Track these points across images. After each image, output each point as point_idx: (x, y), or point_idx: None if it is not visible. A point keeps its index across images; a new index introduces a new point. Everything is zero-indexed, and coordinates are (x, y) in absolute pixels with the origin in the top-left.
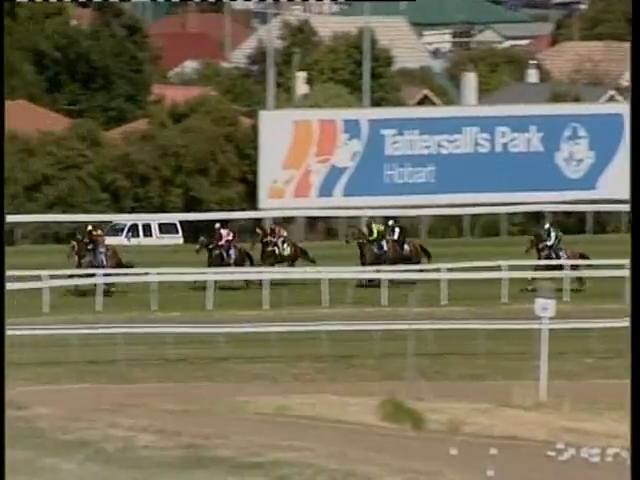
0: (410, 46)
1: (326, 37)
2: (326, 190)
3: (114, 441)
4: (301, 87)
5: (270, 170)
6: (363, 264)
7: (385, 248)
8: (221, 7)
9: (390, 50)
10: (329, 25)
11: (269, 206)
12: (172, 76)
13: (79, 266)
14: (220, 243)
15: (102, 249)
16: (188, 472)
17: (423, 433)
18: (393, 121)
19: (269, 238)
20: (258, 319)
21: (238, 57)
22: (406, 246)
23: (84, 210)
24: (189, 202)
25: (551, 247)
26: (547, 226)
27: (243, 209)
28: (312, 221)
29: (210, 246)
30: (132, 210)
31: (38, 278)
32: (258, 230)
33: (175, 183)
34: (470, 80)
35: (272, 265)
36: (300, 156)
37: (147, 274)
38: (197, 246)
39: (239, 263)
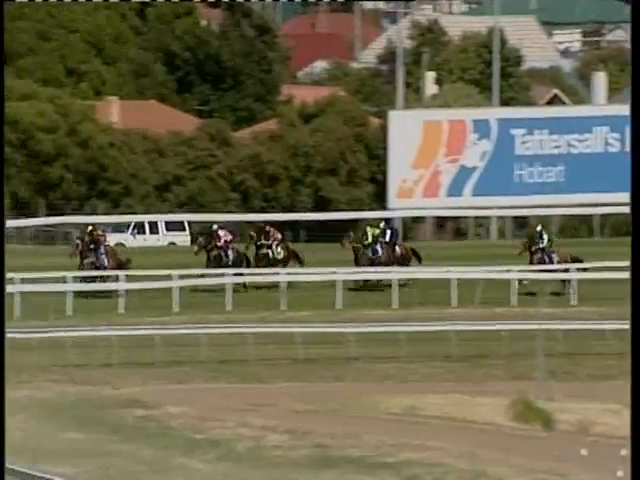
0: (540, 46)
1: (455, 37)
2: (455, 190)
3: (244, 440)
4: (430, 87)
5: (399, 170)
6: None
7: (380, 252)
8: (351, 7)
9: (520, 50)
10: (459, 25)
11: (398, 206)
12: (301, 76)
13: (81, 266)
14: (219, 244)
15: (103, 249)
16: (318, 472)
17: (553, 433)
18: (523, 121)
19: (263, 241)
20: (387, 319)
21: (368, 57)
22: (397, 248)
23: (214, 210)
24: (318, 202)
25: (543, 250)
26: (539, 228)
27: (372, 209)
28: (441, 221)
29: (209, 247)
30: (262, 210)
31: (169, 277)
32: (252, 233)
33: (305, 183)
34: (600, 79)
35: (265, 267)
36: (429, 156)
37: (277, 274)
38: (195, 247)
39: (237, 264)
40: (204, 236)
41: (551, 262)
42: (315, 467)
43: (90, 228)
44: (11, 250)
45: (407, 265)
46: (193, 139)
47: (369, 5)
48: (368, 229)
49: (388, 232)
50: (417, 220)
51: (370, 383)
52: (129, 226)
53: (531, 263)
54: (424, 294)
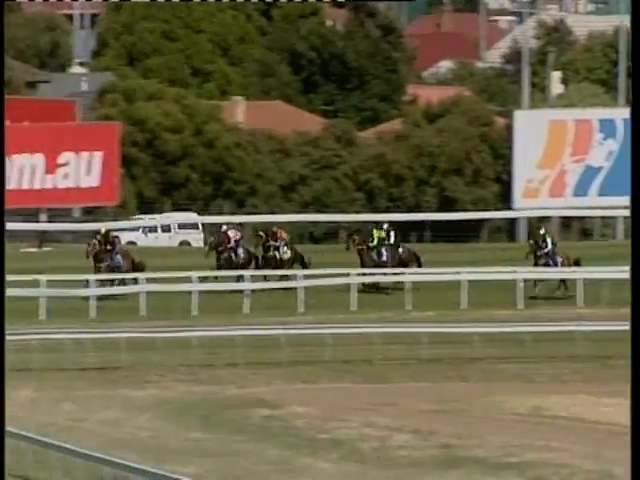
0: None
1: (582, 36)
2: (581, 190)
3: (369, 440)
4: (556, 87)
5: (525, 170)
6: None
7: (384, 254)
8: (476, 7)
9: None
10: (585, 24)
11: (523, 206)
12: (427, 76)
13: (97, 269)
14: (229, 245)
15: (118, 251)
16: (443, 472)
17: None
18: None
19: (271, 242)
20: (513, 319)
21: (493, 57)
22: (400, 250)
23: (339, 210)
24: (443, 202)
25: (547, 254)
26: (542, 232)
27: (497, 209)
28: (567, 221)
29: (220, 248)
30: (387, 210)
31: (294, 278)
32: (260, 233)
33: (430, 183)
34: None
35: (273, 268)
36: (555, 156)
37: (402, 274)
38: (206, 248)
39: (247, 264)
40: (215, 236)
41: (555, 265)
42: (440, 467)
43: (104, 230)
44: (135, 250)
45: (407, 267)
46: (318, 139)
47: (494, 5)
48: (374, 231)
49: (392, 234)
50: (543, 220)
51: (495, 383)
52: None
53: (535, 266)
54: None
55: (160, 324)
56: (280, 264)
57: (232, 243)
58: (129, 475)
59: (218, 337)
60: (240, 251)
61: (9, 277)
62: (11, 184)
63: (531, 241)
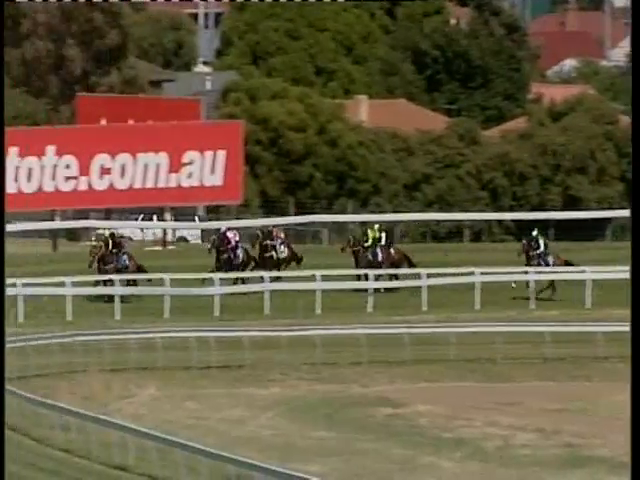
0: None
1: None
2: None
3: (492, 439)
4: None
5: None
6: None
7: (379, 254)
8: (600, 5)
9: None
10: None
11: None
12: (550, 75)
13: (103, 270)
14: (229, 246)
15: (124, 253)
16: (567, 471)
17: None
18: None
19: (268, 241)
20: None
21: (617, 55)
22: (392, 250)
23: (462, 209)
24: (568, 201)
25: (539, 255)
26: (535, 233)
27: (622, 207)
28: None
29: (220, 249)
30: (511, 209)
31: (418, 276)
32: (258, 232)
33: (554, 182)
34: None
35: (270, 268)
36: None
37: (526, 272)
38: (208, 246)
39: (246, 265)
40: (216, 237)
41: (547, 265)
42: (564, 467)
43: (111, 231)
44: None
45: (400, 267)
46: (442, 138)
47: (619, 3)
48: (369, 231)
49: (383, 235)
50: None
51: (618, 382)
52: (136, 219)
53: (527, 266)
54: None
55: (284, 323)
56: (277, 263)
57: (232, 244)
58: (253, 474)
59: (342, 336)
60: (239, 252)
61: (137, 276)
62: (136, 183)
63: (524, 242)
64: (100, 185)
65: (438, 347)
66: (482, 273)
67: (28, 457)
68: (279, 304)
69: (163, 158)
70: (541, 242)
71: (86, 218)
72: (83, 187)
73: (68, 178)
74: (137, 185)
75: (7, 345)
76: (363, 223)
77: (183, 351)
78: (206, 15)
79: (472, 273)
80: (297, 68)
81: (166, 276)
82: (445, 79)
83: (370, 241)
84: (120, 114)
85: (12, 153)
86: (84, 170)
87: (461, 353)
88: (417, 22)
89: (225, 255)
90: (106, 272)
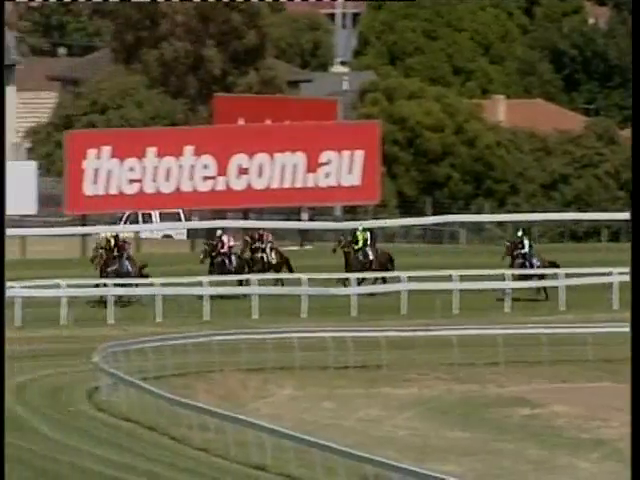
0: None
1: None
2: None
3: (629, 440)
4: None
5: None
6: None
7: (370, 255)
8: None
9: None
10: None
11: None
12: None
13: (104, 273)
14: (222, 250)
15: (127, 256)
16: None
17: None
18: None
19: (257, 244)
20: None
21: None
22: (378, 251)
23: (601, 209)
24: None
25: (524, 255)
26: (520, 233)
27: None
28: None
29: (213, 254)
30: None
31: (556, 277)
32: (246, 238)
33: None
34: None
35: (260, 272)
36: None
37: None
38: (201, 254)
39: (240, 270)
40: (210, 242)
41: (532, 267)
42: None
43: (112, 234)
44: (398, 249)
45: (386, 269)
46: (580, 137)
47: None
48: (358, 233)
49: (369, 235)
50: None
51: None
52: (121, 217)
53: (512, 267)
54: None
55: (420, 323)
56: (267, 267)
57: (225, 249)
58: (390, 474)
59: (479, 336)
60: (233, 257)
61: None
62: (273, 183)
63: (507, 242)
64: (238, 185)
65: (575, 347)
66: (620, 273)
67: (166, 456)
68: (416, 304)
69: (300, 158)
70: (526, 243)
71: (224, 218)
72: (221, 187)
73: (206, 178)
74: (274, 185)
75: (148, 344)
76: (500, 223)
77: (320, 351)
78: (343, 15)
79: (610, 273)
80: (434, 68)
81: (304, 276)
82: (583, 79)
83: (361, 242)
84: (257, 114)
85: (150, 153)
86: (222, 170)
87: (599, 353)
88: (555, 22)
89: (219, 259)
90: (107, 276)
